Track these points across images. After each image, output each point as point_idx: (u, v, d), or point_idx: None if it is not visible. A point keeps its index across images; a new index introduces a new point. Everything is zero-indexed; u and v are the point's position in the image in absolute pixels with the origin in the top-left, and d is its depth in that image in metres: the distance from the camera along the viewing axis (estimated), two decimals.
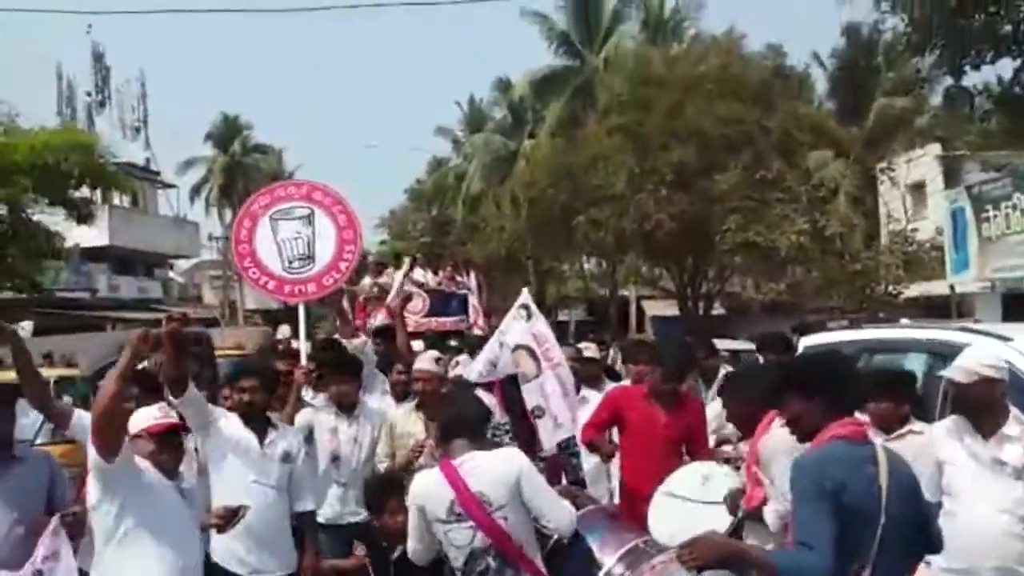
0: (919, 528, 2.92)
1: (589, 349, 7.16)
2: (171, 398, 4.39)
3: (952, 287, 15.74)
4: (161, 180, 39.23)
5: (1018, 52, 13.45)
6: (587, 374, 6.55)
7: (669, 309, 27.82)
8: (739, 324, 24.52)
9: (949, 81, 21.74)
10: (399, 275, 12.70)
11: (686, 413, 5.18)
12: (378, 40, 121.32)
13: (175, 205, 42.09)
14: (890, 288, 18.68)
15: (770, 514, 3.77)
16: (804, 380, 3.01)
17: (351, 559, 4.80)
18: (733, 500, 4.02)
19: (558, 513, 3.60)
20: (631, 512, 4.74)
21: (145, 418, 3.83)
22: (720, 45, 22.36)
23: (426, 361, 5.49)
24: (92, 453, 3.51)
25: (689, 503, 4.21)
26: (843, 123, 23.41)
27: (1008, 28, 13.04)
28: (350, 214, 7.52)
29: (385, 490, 4.43)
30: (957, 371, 3.96)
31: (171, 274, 42.69)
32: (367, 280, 12.51)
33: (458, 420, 3.71)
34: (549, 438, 4.45)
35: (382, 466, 5.31)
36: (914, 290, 18.98)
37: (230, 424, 4.61)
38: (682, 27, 30.39)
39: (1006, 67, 15.64)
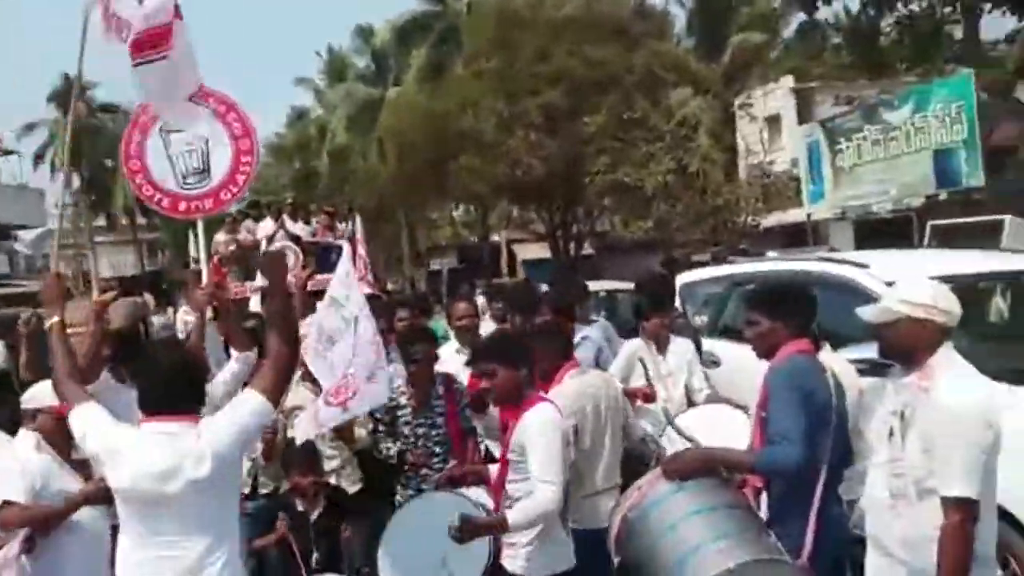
0: (847, 439, 3.19)
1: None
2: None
3: (808, 216, 16.47)
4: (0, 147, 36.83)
5: None
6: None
7: (541, 252, 28.06)
8: (609, 263, 24.95)
9: (803, 16, 22.68)
10: (263, 227, 11.92)
11: None
12: None
13: (16, 172, 39.60)
14: (750, 219, 19.37)
15: None
16: (770, 304, 3.39)
17: (275, 533, 4.40)
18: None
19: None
20: None
21: None
22: None
23: None
24: None
25: None
26: (703, 60, 23.88)
27: None
28: (244, 121, 7.09)
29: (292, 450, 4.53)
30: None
31: (16, 246, 40.16)
32: (221, 236, 11.53)
33: None
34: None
35: None
36: (772, 220, 19.74)
37: None
38: None
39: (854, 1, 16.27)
